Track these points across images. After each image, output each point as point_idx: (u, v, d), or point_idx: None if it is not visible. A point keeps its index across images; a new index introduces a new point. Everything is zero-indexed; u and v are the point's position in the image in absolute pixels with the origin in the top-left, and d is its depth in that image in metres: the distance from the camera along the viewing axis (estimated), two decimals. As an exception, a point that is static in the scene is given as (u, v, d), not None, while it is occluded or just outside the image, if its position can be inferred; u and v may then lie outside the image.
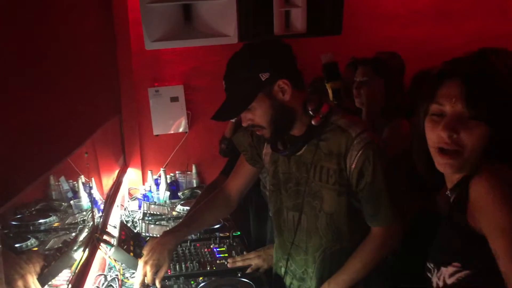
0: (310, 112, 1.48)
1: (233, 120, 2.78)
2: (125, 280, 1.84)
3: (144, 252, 1.71)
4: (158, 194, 3.00)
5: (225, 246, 2.15)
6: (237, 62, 1.47)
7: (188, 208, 2.72)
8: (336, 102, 2.26)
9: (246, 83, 1.42)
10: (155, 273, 1.66)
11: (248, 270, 1.87)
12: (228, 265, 1.91)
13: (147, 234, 2.30)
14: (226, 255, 2.05)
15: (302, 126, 1.51)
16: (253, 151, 1.75)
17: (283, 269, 1.69)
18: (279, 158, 1.63)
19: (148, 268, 1.65)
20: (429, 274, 1.14)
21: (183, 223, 1.83)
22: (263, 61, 1.43)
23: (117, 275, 1.83)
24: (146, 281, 1.67)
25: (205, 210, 1.87)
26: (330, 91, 2.32)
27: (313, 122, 1.48)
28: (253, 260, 1.89)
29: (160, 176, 3.09)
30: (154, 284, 1.67)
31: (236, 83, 1.45)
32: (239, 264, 1.90)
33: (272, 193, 1.68)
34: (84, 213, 1.99)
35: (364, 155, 1.41)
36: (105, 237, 1.90)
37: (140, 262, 1.68)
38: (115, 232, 2.00)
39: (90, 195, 2.02)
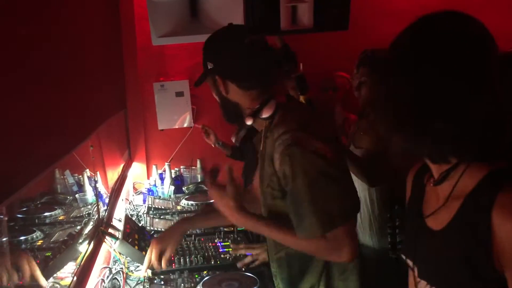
0: (249, 111, 1.43)
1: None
2: (130, 273, 1.85)
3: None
4: (162, 188, 3.01)
5: (229, 240, 2.16)
6: (208, 40, 1.48)
7: (192, 202, 2.74)
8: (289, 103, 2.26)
9: (204, 63, 1.47)
10: (162, 253, 1.70)
11: (247, 260, 1.88)
12: (231, 252, 1.92)
13: (151, 228, 2.31)
14: (230, 249, 2.05)
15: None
16: None
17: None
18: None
19: (153, 243, 1.71)
20: (407, 267, 1.09)
21: (203, 211, 1.84)
22: (212, 51, 1.45)
23: (121, 268, 1.84)
24: (147, 258, 1.71)
25: None
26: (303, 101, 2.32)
27: (246, 122, 1.43)
28: (256, 250, 1.89)
29: (164, 171, 3.10)
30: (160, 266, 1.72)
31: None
32: (242, 251, 1.91)
33: None
34: (89, 206, 2.00)
35: (283, 158, 1.30)
36: (110, 230, 1.91)
37: (152, 242, 1.74)
38: (120, 226, 2.01)
39: (95, 188, 2.03)
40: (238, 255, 1.94)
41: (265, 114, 1.41)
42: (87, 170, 2.08)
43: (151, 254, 1.70)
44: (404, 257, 1.09)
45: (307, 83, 2.32)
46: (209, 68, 1.44)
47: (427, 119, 0.85)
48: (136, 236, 1.97)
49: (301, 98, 2.33)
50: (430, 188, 1.03)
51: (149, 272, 1.83)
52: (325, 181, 1.27)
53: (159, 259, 1.70)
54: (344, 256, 1.31)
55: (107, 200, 2.25)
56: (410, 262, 1.07)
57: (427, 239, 1.01)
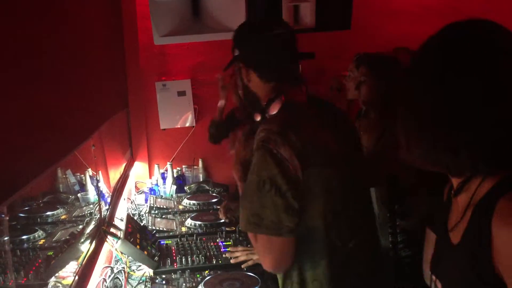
0: (260, 107, 1.45)
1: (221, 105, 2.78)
2: (131, 273, 1.85)
3: None
4: (164, 188, 3.01)
5: (231, 240, 2.16)
6: (238, 27, 1.51)
7: (194, 202, 2.74)
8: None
9: (232, 50, 1.50)
10: None
11: (245, 265, 1.88)
12: (232, 261, 1.92)
13: (153, 228, 2.31)
14: (233, 247, 2.05)
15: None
16: None
17: None
18: None
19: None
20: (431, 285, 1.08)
21: None
22: (240, 38, 1.48)
23: (123, 267, 1.84)
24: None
25: None
26: None
27: (255, 118, 1.47)
28: (255, 254, 1.90)
29: (166, 170, 3.10)
30: None
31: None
32: (241, 259, 1.91)
33: None
34: (91, 205, 2.00)
35: (253, 155, 1.33)
36: (112, 229, 1.91)
37: None
38: (122, 225, 2.01)
39: (97, 188, 2.03)
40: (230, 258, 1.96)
41: (272, 111, 1.42)
42: (89, 169, 2.08)
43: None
44: (430, 273, 1.07)
45: None
46: (235, 54, 1.47)
47: (448, 128, 0.84)
48: (138, 236, 1.97)
49: None
50: (454, 201, 1.01)
51: (151, 271, 1.83)
52: (270, 188, 1.26)
53: None
54: (264, 264, 1.36)
55: (109, 200, 2.25)
56: (433, 277, 1.05)
57: (449, 254, 0.99)
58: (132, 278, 1.84)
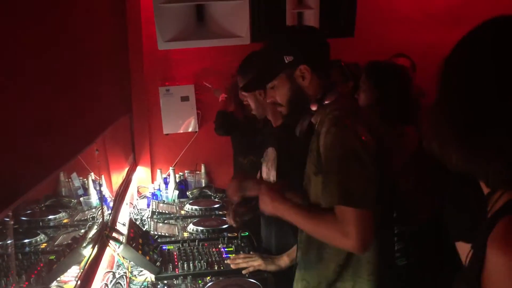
0: (316, 98, 1.52)
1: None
2: (133, 278, 1.85)
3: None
4: (167, 193, 3.01)
5: (233, 246, 2.15)
6: (270, 42, 1.58)
7: (196, 207, 2.74)
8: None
9: (272, 62, 1.54)
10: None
11: (246, 271, 1.88)
12: (232, 266, 1.92)
13: (155, 233, 2.31)
14: (234, 255, 2.04)
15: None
16: None
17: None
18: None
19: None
20: None
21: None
22: (290, 45, 1.51)
23: (125, 272, 1.84)
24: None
25: None
26: None
27: (311, 108, 1.52)
28: (256, 261, 1.89)
29: (169, 175, 3.10)
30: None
31: (263, 59, 1.60)
32: (242, 265, 1.91)
33: None
34: (94, 210, 2.00)
35: (329, 132, 1.39)
36: (114, 234, 1.91)
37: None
38: (124, 230, 2.01)
39: (99, 192, 2.03)
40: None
41: (327, 101, 1.50)
42: (92, 173, 2.09)
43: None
44: None
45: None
46: (287, 62, 1.49)
47: (484, 132, 0.76)
48: (140, 241, 1.97)
49: None
50: None
51: (153, 277, 1.83)
52: (355, 161, 1.35)
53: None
54: (349, 242, 1.33)
55: (111, 204, 2.25)
56: None
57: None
58: (134, 283, 1.83)
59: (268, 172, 2.06)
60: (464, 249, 1.10)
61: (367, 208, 1.33)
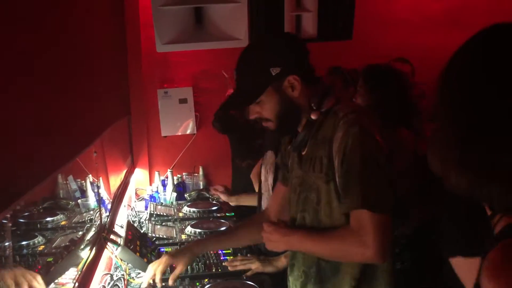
0: (313, 106, 1.44)
1: None
2: (131, 280, 1.85)
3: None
4: (165, 195, 3.01)
5: (230, 248, 2.15)
6: (249, 54, 1.47)
7: (194, 209, 2.74)
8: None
9: (257, 77, 1.42)
10: (170, 268, 1.73)
11: (249, 274, 1.88)
12: (229, 268, 1.91)
13: (153, 235, 2.31)
14: (232, 257, 2.04)
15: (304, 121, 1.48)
16: (284, 169, 1.73)
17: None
18: (293, 164, 1.59)
19: (166, 257, 1.72)
20: None
21: (215, 235, 1.86)
22: (275, 55, 1.42)
23: (123, 274, 1.84)
24: (158, 271, 1.71)
25: (240, 227, 1.91)
26: None
27: (312, 116, 1.43)
28: (253, 263, 1.89)
29: (167, 177, 3.10)
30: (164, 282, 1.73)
31: (246, 76, 1.46)
32: (239, 267, 1.91)
33: (289, 200, 1.64)
34: (92, 212, 2.00)
35: (347, 135, 1.33)
36: (112, 236, 1.91)
37: (164, 255, 1.75)
38: (122, 232, 2.01)
39: (97, 194, 2.03)
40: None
41: (326, 107, 1.43)
42: (90, 175, 2.08)
43: (158, 267, 1.71)
44: None
45: None
46: (274, 74, 1.40)
47: (493, 151, 0.69)
48: (138, 243, 1.97)
49: None
50: None
51: (151, 280, 1.82)
52: (375, 165, 1.31)
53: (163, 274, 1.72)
54: (368, 251, 1.27)
55: (109, 206, 2.25)
56: None
57: None
58: (132, 285, 1.83)
59: (266, 175, 2.07)
60: (460, 265, 1.07)
61: (385, 213, 1.29)
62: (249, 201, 2.54)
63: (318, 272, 1.47)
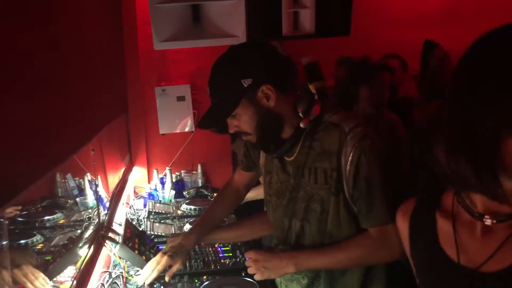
0: (300, 114, 1.42)
1: None
2: (129, 278, 1.85)
3: (166, 246, 1.79)
4: (163, 193, 3.01)
5: (229, 245, 2.16)
6: (219, 67, 1.43)
7: (193, 207, 2.74)
8: (321, 101, 2.30)
9: (229, 90, 1.38)
10: (168, 266, 1.71)
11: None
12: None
13: (152, 233, 2.31)
14: (231, 254, 2.05)
15: (292, 129, 1.44)
16: (249, 161, 1.77)
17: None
18: (273, 167, 1.57)
19: (165, 258, 1.71)
20: None
21: (197, 224, 1.85)
22: (245, 66, 1.37)
23: (121, 272, 1.84)
24: (156, 270, 1.70)
25: (215, 207, 1.90)
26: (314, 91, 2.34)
27: (301, 125, 1.41)
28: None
29: (165, 175, 3.10)
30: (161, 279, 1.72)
31: (219, 90, 1.42)
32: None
33: (268, 203, 1.64)
34: (90, 210, 2.00)
35: (358, 150, 1.33)
36: (110, 234, 1.91)
37: (159, 254, 1.74)
38: (120, 230, 2.01)
39: (96, 192, 2.03)
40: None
41: (313, 114, 1.41)
42: (88, 174, 2.08)
43: (156, 266, 1.71)
44: None
45: (320, 71, 2.36)
46: (246, 86, 1.35)
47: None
48: (137, 241, 1.97)
49: (311, 87, 2.34)
50: (477, 223, 0.90)
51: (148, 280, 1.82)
52: (382, 177, 1.36)
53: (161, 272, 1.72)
54: (396, 252, 1.32)
55: (107, 204, 2.25)
56: None
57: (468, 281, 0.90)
58: (130, 283, 1.83)
59: None
60: None
61: (394, 222, 1.29)
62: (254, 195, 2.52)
63: (326, 275, 1.51)
